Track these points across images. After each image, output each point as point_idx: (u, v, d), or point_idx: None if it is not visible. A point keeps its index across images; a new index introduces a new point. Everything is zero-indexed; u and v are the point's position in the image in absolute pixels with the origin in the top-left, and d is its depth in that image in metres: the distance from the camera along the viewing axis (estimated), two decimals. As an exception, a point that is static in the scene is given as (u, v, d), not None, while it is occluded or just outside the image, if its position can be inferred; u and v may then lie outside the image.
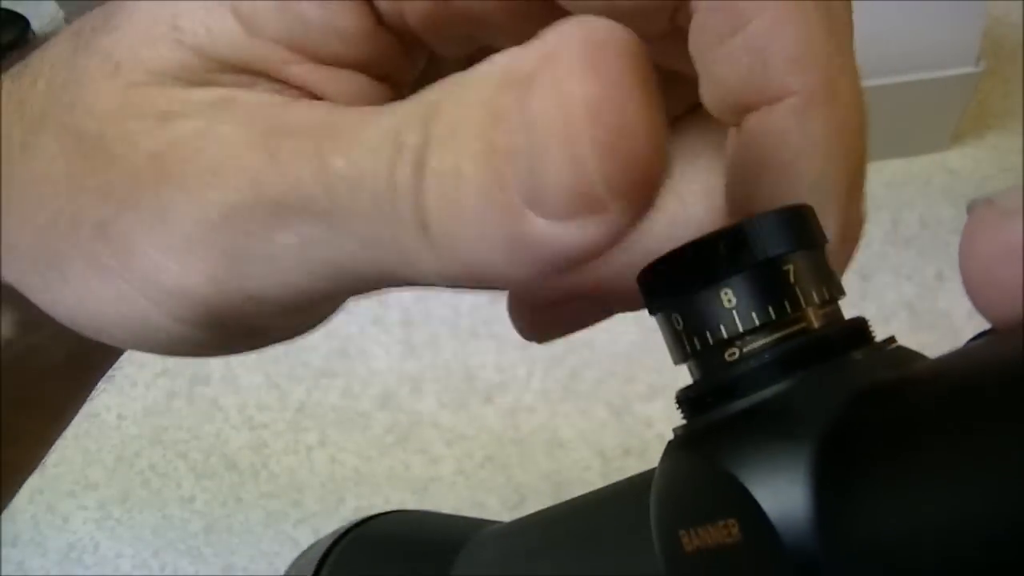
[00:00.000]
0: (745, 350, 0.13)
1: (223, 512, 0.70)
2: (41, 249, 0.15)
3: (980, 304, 0.11)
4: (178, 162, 0.14)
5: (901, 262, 0.74)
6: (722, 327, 0.13)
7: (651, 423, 0.65)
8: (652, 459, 0.14)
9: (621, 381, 0.67)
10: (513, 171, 0.12)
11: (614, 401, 0.67)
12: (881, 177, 0.78)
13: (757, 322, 0.13)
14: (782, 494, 0.11)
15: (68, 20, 0.75)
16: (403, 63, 0.16)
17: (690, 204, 0.18)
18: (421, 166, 0.12)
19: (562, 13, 0.14)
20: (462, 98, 0.12)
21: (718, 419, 0.13)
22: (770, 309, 0.13)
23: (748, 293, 0.13)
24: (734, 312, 0.13)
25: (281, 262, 0.14)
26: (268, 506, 0.70)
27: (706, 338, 0.13)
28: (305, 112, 0.14)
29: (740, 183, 0.16)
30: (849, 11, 0.16)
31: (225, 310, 0.14)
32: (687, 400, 0.14)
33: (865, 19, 0.62)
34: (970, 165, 0.78)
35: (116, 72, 0.14)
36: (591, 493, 0.22)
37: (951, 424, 0.10)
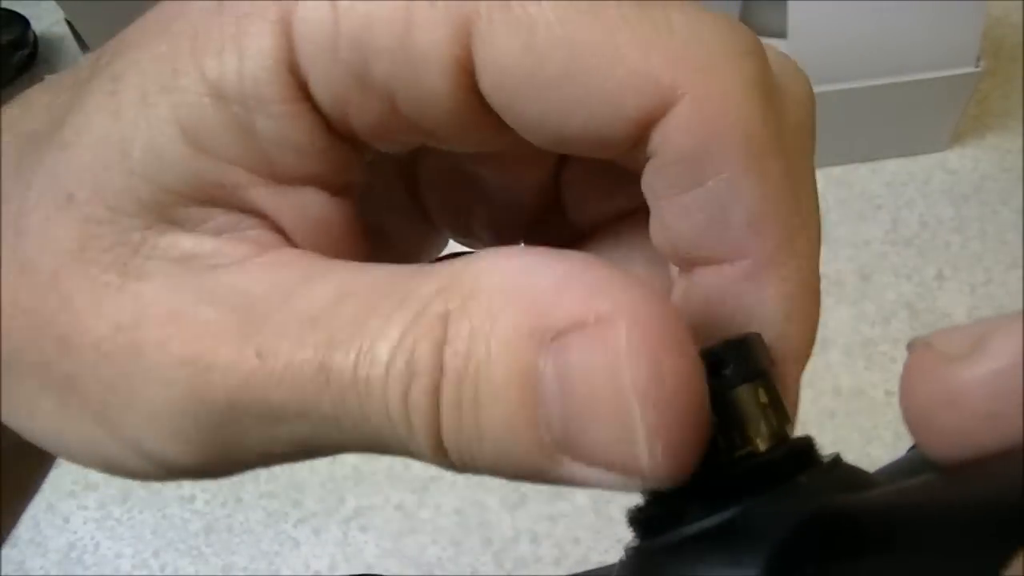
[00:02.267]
0: (693, 475, 0.13)
1: (223, 512, 0.70)
2: (5, 378, 0.14)
3: (920, 442, 0.11)
4: (148, 345, 0.13)
5: (901, 262, 0.74)
6: None
7: (651, 423, 0.65)
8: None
9: (621, 381, 0.67)
10: (545, 418, 0.12)
11: (614, 401, 0.67)
12: (881, 177, 0.78)
13: (709, 455, 0.13)
14: None
15: (68, 20, 0.75)
16: (354, 170, 0.15)
17: None
18: (438, 393, 0.12)
19: (507, 129, 0.14)
20: (478, 325, 0.12)
21: (668, 543, 0.13)
22: (718, 439, 0.13)
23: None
24: None
25: (274, 448, 0.14)
26: (268, 506, 0.70)
27: None
28: (281, 283, 0.13)
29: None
30: (809, 158, 0.16)
31: (206, 470, 0.14)
32: (638, 521, 0.14)
33: (865, 19, 0.62)
34: (970, 165, 0.78)
35: (69, 203, 0.14)
36: None
37: (892, 556, 0.10)
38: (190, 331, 0.13)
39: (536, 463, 0.12)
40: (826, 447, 0.15)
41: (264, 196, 0.14)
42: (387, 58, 0.13)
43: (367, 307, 0.13)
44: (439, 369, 0.12)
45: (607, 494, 0.75)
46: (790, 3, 0.65)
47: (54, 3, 0.71)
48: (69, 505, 0.72)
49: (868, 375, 0.68)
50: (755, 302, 0.14)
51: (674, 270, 0.16)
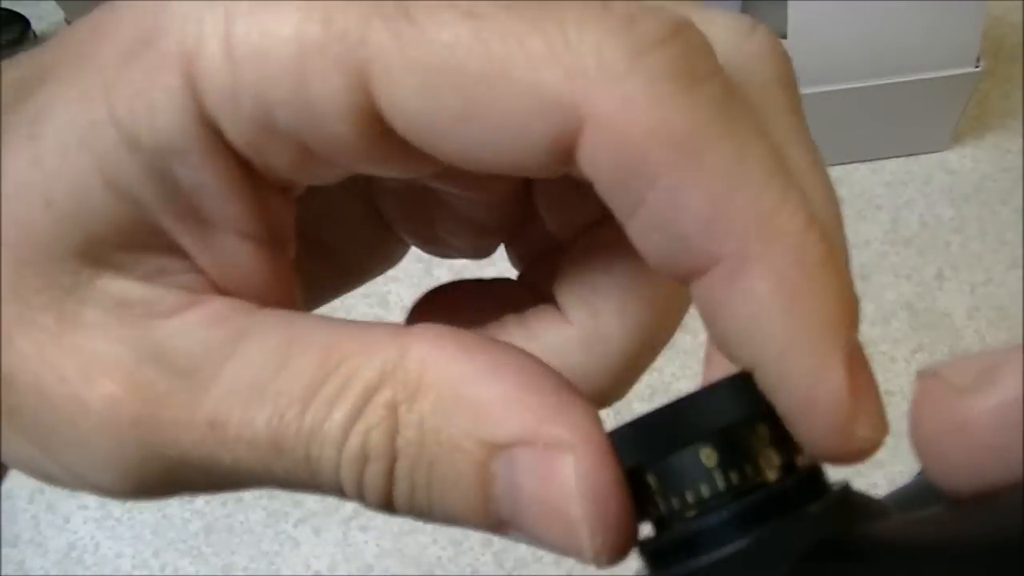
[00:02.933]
0: (705, 507, 0.14)
1: (223, 512, 0.70)
2: None
3: (929, 473, 0.11)
4: (95, 401, 0.14)
5: (901, 262, 0.74)
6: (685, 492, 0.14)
7: (651, 423, 0.65)
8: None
9: (621, 381, 0.67)
10: (495, 507, 0.13)
11: (614, 401, 0.67)
12: (881, 177, 0.78)
13: (720, 487, 0.14)
14: None
15: (68, 20, 0.75)
16: (282, 210, 0.15)
17: (603, 321, 0.17)
18: (389, 475, 0.14)
19: (420, 155, 0.14)
20: (429, 425, 0.13)
21: (680, 574, 0.14)
22: (731, 475, 0.13)
23: (707, 464, 0.14)
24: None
25: (221, 487, 0.15)
26: (268, 506, 0.70)
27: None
28: (220, 348, 0.14)
29: (724, 351, 0.14)
30: (791, 113, 0.14)
31: (152, 498, 0.15)
32: (650, 552, 0.14)
33: (865, 19, 0.62)
34: (970, 165, 0.78)
35: (4, 246, 0.14)
36: None
37: None
38: (137, 393, 0.14)
39: (484, 528, 0.14)
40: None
41: (190, 242, 0.14)
42: (287, 109, 0.13)
43: (308, 379, 0.14)
44: (392, 455, 0.13)
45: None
46: (790, 3, 0.65)
47: (54, 3, 0.71)
48: (69, 505, 0.72)
49: (868, 375, 0.68)
50: (746, 304, 0.13)
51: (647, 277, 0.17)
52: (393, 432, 0.13)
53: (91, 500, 0.72)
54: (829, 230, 0.14)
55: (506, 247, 0.20)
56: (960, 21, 0.67)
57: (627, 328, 0.17)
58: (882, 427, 0.13)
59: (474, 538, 0.67)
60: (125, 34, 0.14)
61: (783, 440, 0.14)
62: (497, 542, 0.66)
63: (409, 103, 0.13)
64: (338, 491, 0.14)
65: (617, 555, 0.14)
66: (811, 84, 0.69)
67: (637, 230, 0.13)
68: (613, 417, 0.15)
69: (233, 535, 0.69)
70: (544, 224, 0.18)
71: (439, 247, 0.20)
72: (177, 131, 0.13)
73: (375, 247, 0.21)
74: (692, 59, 0.12)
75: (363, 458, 0.13)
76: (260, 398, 0.14)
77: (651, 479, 0.14)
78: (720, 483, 0.13)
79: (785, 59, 0.14)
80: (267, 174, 0.14)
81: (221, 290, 0.15)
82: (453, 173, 0.15)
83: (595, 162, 0.12)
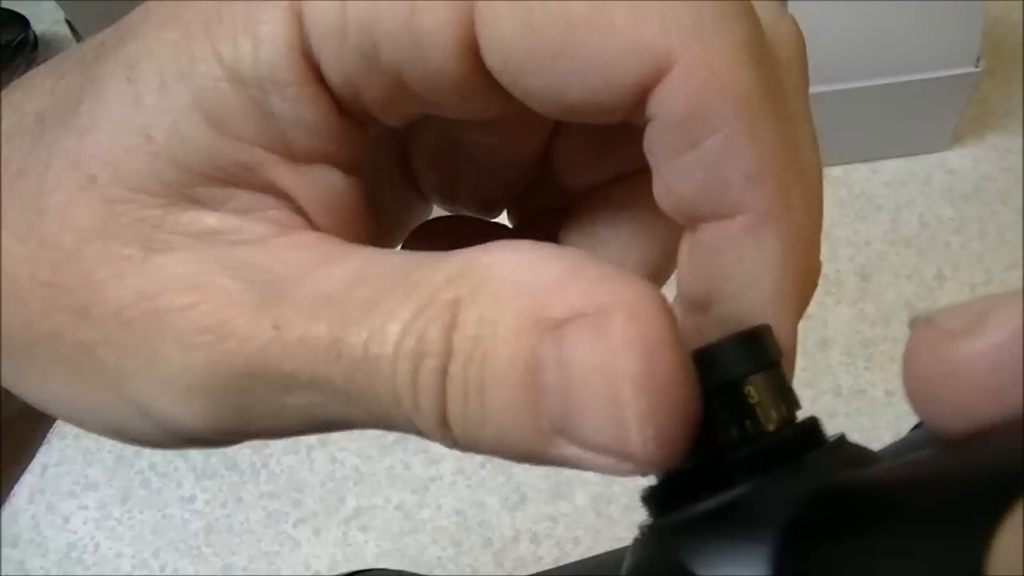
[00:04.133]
0: (706, 457, 0.14)
1: (223, 512, 0.70)
2: (16, 347, 0.15)
3: (923, 417, 0.12)
4: (171, 311, 0.14)
5: (901, 262, 0.74)
6: None
7: (651, 423, 0.66)
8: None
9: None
10: (544, 403, 0.12)
11: (614, 401, 0.67)
12: (881, 177, 0.78)
13: (724, 441, 0.14)
14: None
15: (68, 20, 0.75)
16: (362, 146, 0.16)
17: None
18: (445, 375, 0.13)
19: (512, 99, 0.15)
20: (487, 312, 0.13)
21: (682, 520, 0.14)
22: (735, 429, 0.14)
23: (712, 415, 0.14)
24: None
25: (283, 417, 0.14)
26: (268, 506, 0.70)
27: None
28: (301, 263, 0.14)
29: (694, 285, 0.16)
30: (803, 97, 0.16)
31: (216, 438, 0.15)
32: (652, 499, 0.15)
33: (865, 19, 0.62)
34: (970, 165, 0.78)
35: (91, 185, 0.14)
36: (560, 570, 0.23)
37: (898, 529, 0.11)
38: (211, 300, 0.14)
39: (534, 445, 0.13)
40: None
41: (283, 174, 0.15)
42: (394, 41, 0.14)
43: (381, 290, 0.13)
44: (448, 352, 0.13)
45: (607, 495, 0.75)
46: (790, 3, 0.65)
47: (54, 3, 0.71)
48: (69, 505, 0.72)
49: (868, 375, 0.68)
50: (754, 254, 0.15)
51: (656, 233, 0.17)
52: (451, 327, 0.13)
53: (91, 500, 0.72)
54: (817, 207, 0.16)
55: (511, 209, 0.21)
56: (960, 21, 0.67)
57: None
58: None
59: (474, 538, 0.67)
60: None
61: (783, 394, 0.14)
62: (497, 542, 0.67)
63: (511, 37, 0.14)
64: (395, 401, 0.13)
65: (671, 449, 0.13)
66: (811, 84, 0.69)
67: (681, 169, 0.15)
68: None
69: (233, 535, 0.69)
70: (551, 185, 0.20)
71: (454, 202, 0.21)
72: (279, 65, 0.14)
73: (403, 204, 0.21)
74: (760, 36, 0.15)
75: (419, 354, 0.13)
76: (327, 305, 0.13)
77: None
78: (721, 436, 0.14)
79: (803, 40, 0.17)
80: (355, 110, 0.15)
81: (312, 225, 0.15)
82: (496, 124, 0.17)
83: (668, 104, 0.14)
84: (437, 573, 0.66)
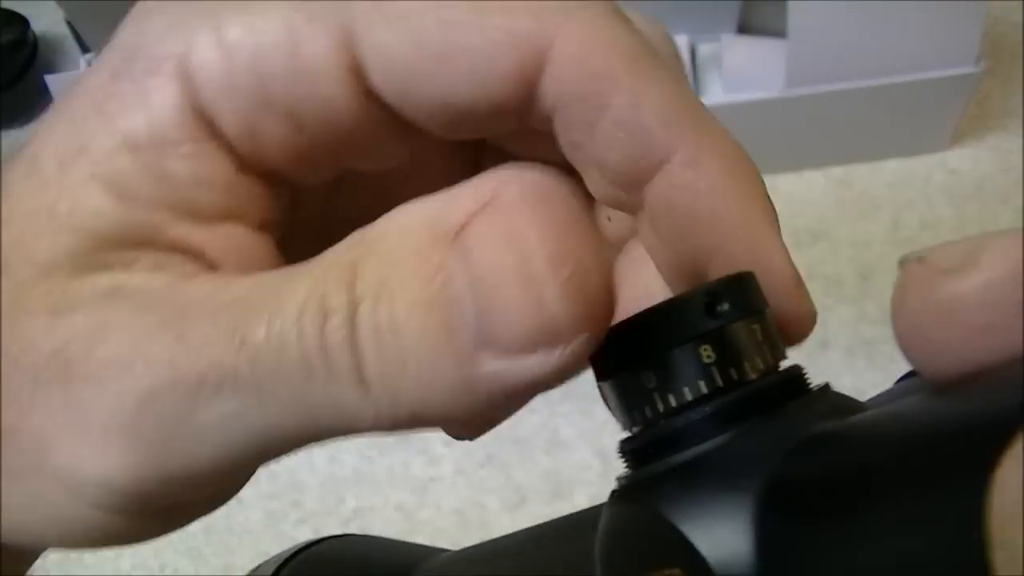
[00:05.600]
0: (687, 405, 0.13)
1: (223, 512, 0.70)
2: None
3: (912, 359, 0.12)
4: (81, 357, 0.14)
5: (901, 262, 0.74)
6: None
7: (651, 423, 0.66)
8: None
9: (621, 381, 0.67)
10: (459, 318, 0.12)
11: (614, 401, 0.67)
12: (881, 177, 0.78)
13: (704, 390, 0.13)
14: (725, 543, 0.12)
15: (68, 20, 0.75)
16: (272, 205, 0.16)
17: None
18: (353, 326, 0.12)
19: (421, 134, 0.15)
20: (386, 255, 0.12)
21: (661, 470, 0.13)
22: (717, 378, 0.13)
23: (691, 364, 0.14)
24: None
25: (204, 438, 0.14)
26: (268, 506, 0.70)
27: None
28: (203, 289, 0.14)
29: (668, 256, 0.16)
30: (681, 72, 0.17)
31: (147, 493, 0.14)
32: (630, 451, 0.14)
33: (865, 19, 0.62)
34: (970, 165, 0.78)
35: (5, 272, 0.14)
36: (537, 528, 0.23)
37: (888, 475, 0.10)
38: (116, 335, 0.14)
39: (460, 373, 0.12)
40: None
41: (189, 232, 0.15)
42: (281, 79, 0.14)
43: (280, 281, 0.13)
44: (352, 303, 0.12)
45: (606, 495, 0.75)
46: (790, 3, 0.65)
47: (54, 3, 0.71)
48: (69, 505, 0.72)
49: (869, 375, 0.68)
50: (707, 182, 0.15)
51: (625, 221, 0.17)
52: (352, 281, 0.12)
53: (91, 500, 0.72)
54: (744, 155, 0.16)
55: None
56: (960, 21, 0.67)
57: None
58: (813, 305, 0.16)
59: (474, 538, 0.67)
60: (112, 59, 0.15)
61: (770, 343, 0.14)
62: (497, 542, 0.67)
63: (391, 51, 0.14)
64: (307, 373, 0.12)
65: (596, 319, 0.12)
66: (811, 84, 0.69)
67: (601, 138, 0.15)
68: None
69: (233, 535, 0.69)
70: None
71: None
72: (171, 125, 0.14)
73: None
74: (623, 14, 0.15)
75: (322, 314, 0.12)
76: (229, 307, 0.13)
77: (645, 377, 0.14)
78: (716, 381, 0.13)
79: (675, 45, 0.18)
80: (259, 165, 0.15)
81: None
82: (414, 168, 0.17)
83: (562, 80, 0.14)
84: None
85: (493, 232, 0.12)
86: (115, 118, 0.14)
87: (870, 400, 0.15)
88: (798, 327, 0.16)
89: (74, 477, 0.14)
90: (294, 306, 0.13)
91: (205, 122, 0.14)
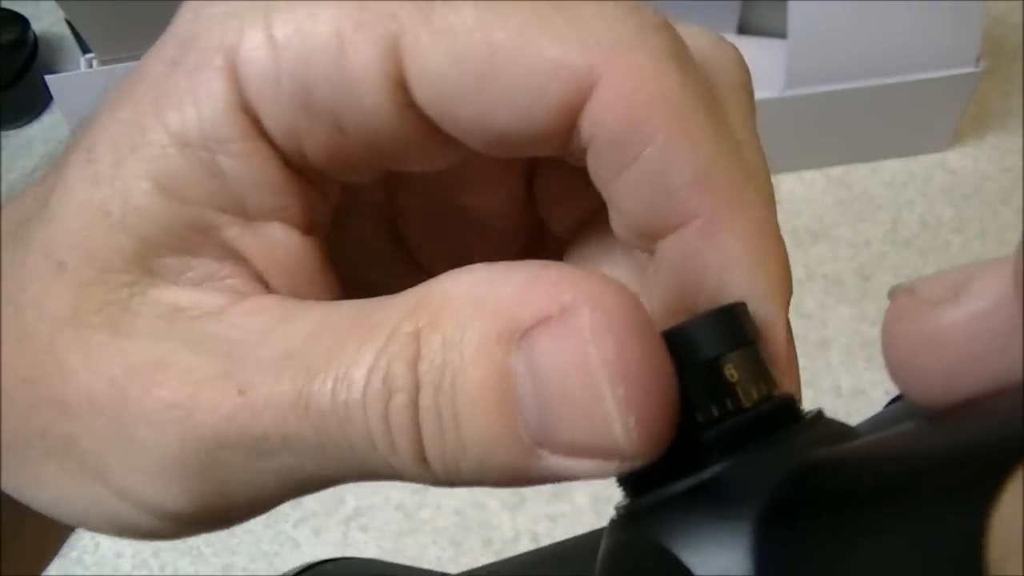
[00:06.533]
0: (681, 436, 0.13)
1: (223, 512, 0.70)
2: (10, 451, 0.15)
3: (904, 388, 0.12)
4: (137, 395, 0.14)
5: (901, 262, 0.74)
6: None
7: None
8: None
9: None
10: (522, 416, 0.12)
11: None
12: (881, 177, 0.78)
13: (700, 420, 0.13)
14: (723, 571, 0.12)
15: (68, 20, 0.75)
16: (320, 205, 0.16)
17: None
18: (415, 409, 0.13)
19: (451, 140, 0.15)
20: (449, 335, 0.12)
21: (659, 499, 0.13)
22: (712, 408, 0.13)
23: (687, 394, 0.14)
24: None
25: (262, 483, 0.14)
26: (268, 506, 0.70)
27: None
28: (257, 326, 0.14)
29: (668, 303, 0.16)
30: (750, 119, 0.16)
31: (203, 516, 0.15)
32: (628, 481, 0.15)
33: (865, 19, 0.62)
34: (970, 165, 0.78)
35: (62, 271, 0.14)
36: (536, 552, 0.23)
37: (884, 504, 0.10)
38: (176, 377, 0.14)
39: (517, 462, 0.13)
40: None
41: (237, 235, 0.15)
42: (326, 84, 0.14)
43: (340, 337, 0.13)
44: (415, 384, 0.13)
45: (606, 495, 0.75)
46: (790, 3, 0.65)
47: (54, 3, 0.71)
48: (69, 505, 0.72)
49: (868, 375, 0.68)
50: (718, 257, 0.15)
51: (641, 258, 0.17)
52: (415, 359, 0.13)
53: (91, 500, 0.72)
54: (772, 207, 0.16)
55: None
56: (960, 21, 0.67)
57: None
58: (799, 382, 0.16)
59: (474, 538, 0.67)
60: (167, 48, 0.15)
61: (762, 373, 0.14)
62: (497, 542, 0.67)
63: (436, 68, 0.14)
64: (370, 446, 0.13)
65: (656, 436, 0.12)
66: (811, 84, 0.69)
67: (626, 186, 0.15)
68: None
69: (233, 535, 0.69)
70: (547, 240, 0.19)
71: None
72: (220, 122, 0.14)
73: (404, 279, 0.21)
74: (681, 46, 0.15)
75: (387, 392, 0.13)
76: (289, 361, 0.13)
77: None
78: (698, 415, 0.13)
79: (747, 70, 0.17)
80: (303, 165, 0.15)
81: (269, 288, 0.15)
82: (466, 171, 0.17)
83: (600, 121, 0.14)
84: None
85: (559, 344, 0.12)
86: (169, 113, 0.14)
87: (861, 424, 0.15)
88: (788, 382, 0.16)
89: (135, 498, 0.14)
90: (359, 376, 0.13)
91: (252, 119, 0.14)
